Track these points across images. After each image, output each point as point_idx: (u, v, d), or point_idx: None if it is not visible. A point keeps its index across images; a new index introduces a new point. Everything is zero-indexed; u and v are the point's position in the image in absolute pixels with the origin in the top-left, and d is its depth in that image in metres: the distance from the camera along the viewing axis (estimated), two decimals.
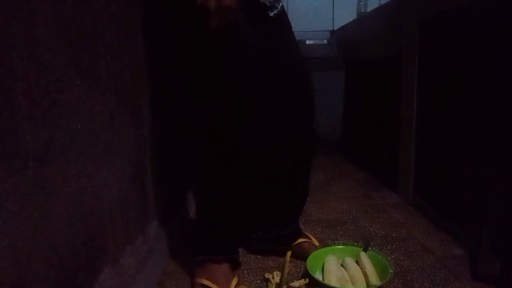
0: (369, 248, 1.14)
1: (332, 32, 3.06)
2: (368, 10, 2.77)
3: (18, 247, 0.52)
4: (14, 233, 0.51)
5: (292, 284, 0.96)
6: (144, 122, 1.04)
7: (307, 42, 2.72)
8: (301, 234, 1.25)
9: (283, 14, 1.12)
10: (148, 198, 1.08)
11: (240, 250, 1.23)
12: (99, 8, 0.78)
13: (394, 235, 1.40)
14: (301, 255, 1.19)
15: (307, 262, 1.07)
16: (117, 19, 0.87)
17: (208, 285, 1.01)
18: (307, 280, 0.98)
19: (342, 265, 1.10)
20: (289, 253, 0.97)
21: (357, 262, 1.10)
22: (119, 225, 0.87)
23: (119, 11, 0.88)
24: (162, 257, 1.20)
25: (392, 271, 1.09)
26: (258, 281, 1.10)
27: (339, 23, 2.94)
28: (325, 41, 2.81)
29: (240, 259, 1.17)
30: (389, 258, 1.22)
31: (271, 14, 1.07)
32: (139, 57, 1.01)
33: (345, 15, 2.96)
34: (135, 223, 0.97)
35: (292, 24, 1.18)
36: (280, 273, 0.97)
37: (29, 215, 0.55)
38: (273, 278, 0.98)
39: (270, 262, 1.22)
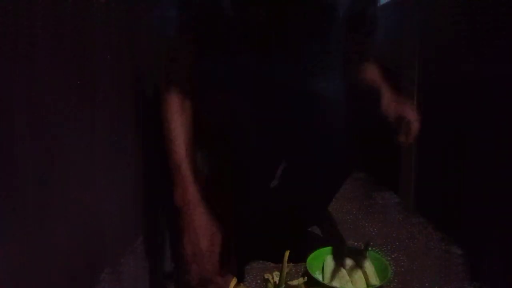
0: (369, 248, 1.14)
1: None
2: None
3: (18, 247, 0.52)
4: (14, 233, 0.51)
5: (290, 283, 0.96)
6: (144, 122, 1.04)
7: None
8: None
9: None
10: (149, 198, 1.08)
11: None
12: (99, 8, 0.78)
13: (394, 235, 1.40)
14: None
15: (307, 262, 1.07)
16: (117, 19, 0.87)
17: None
18: (305, 279, 0.98)
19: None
20: (287, 253, 0.97)
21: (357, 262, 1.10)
22: (119, 226, 0.87)
23: (119, 11, 0.88)
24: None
25: (392, 271, 1.09)
26: (258, 281, 1.10)
27: None
28: None
29: None
30: (389, 258, 1.22)
31: None
32: (139, 57, 1.01)
33: None
34: (135, 223, 0.97)
35: None
36: (279, 273, 0.97)
37: (29, 215, 0.55)
38: (272, 278, 0.98)
39: (270, 262, 1.22)
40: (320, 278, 1.03)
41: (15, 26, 0.51)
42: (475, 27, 1.25)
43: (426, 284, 1.07)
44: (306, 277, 0.98)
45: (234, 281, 1.03)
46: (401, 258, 1.23)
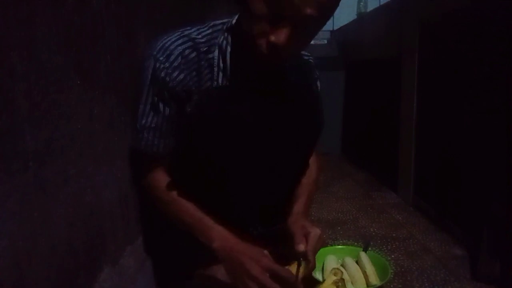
0: (369, 248, 1.14)
1: (332, 32, 3.06)
2: (368, 10, 2.77)
3: (18, 247, 0.52)
4: (14, 233, 0.51)
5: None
6: None
7: None
8: None
9: None
10: (148, 198, 1.08)
11: None
12: (99, 8, 0.77)
13: (394, 235, 1.40)
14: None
15: None
16: (117, 19, 0.87)
17: (210, 285, 1.00)
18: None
19: (342, 265, 1.10)
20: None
21: (357, 262, 1.10)
22: (119, 225, 0.87)
23: (119, 11, 0.88)
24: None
25: (392, 271, 1.09)
26: None
27: (339, 23, 2.94)
28: (325, 41, 2.81)
29: None
30: (389, 258, 1.22)
31: None
32: (139, 57, 1.01)
33: (345, 15, 2.96)
34: (135, 223, 0.97)
35: None
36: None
37: (29, 215, 0.55)
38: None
39: None
40: (320, 278, 1.03)
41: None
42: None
43: (426, 284, 1.07)
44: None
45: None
46: (401, 258, 1.23)
